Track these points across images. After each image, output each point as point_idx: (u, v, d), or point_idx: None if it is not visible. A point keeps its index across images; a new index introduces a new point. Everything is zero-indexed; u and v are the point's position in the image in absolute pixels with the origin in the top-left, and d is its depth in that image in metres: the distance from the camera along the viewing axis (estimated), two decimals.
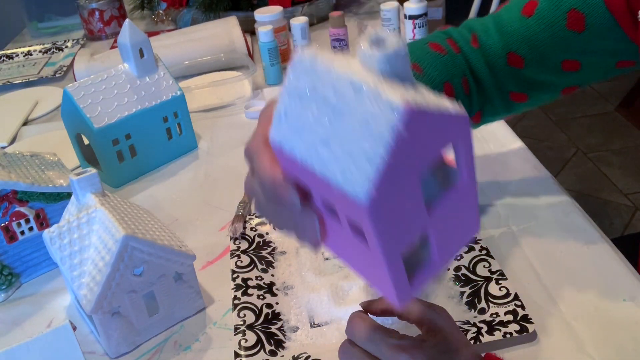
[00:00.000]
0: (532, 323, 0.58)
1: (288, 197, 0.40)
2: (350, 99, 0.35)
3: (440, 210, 0.39)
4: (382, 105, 0.33)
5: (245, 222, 0.78)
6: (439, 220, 0.39)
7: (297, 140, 0.38)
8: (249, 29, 1.37)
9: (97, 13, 1.56)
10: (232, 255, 0.73)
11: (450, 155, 0.39)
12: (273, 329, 0.63)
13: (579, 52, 0.64)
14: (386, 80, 0.35)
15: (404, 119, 0.32)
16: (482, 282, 0.63)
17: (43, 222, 0.76)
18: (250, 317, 0.63)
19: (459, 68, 0.67)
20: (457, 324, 0.51)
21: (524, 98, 0.70)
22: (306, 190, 0.40)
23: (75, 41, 1.57)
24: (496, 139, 0.92)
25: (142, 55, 0.92)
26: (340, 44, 1.20)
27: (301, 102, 0.37)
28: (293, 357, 0.58)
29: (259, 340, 0.61)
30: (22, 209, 0.74)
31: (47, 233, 0.62)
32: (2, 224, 0.73)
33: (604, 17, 0.60)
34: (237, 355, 0.59)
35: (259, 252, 0.73)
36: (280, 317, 0.64)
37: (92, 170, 0.65)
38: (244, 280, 0.68)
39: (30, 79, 1.38)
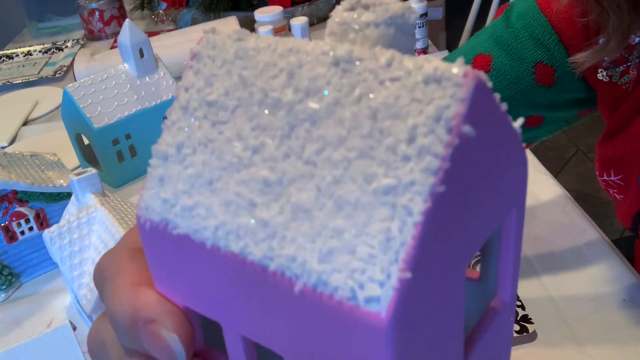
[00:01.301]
0: (532, 323, 0.58)
1: (166, 342, 0.21)
2: (329, 90, 0.18)
3: (478, 351, 0.22)
4: (411, 81, 0.17)
5: None
6: None
7: (204, 201, 0.20)
8: (249, 29, 1.36)
9: (97, 13, 1.55)
10: None
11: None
12: None
13: (545, 107, 0.60)
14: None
15: (470, 100, 0.16)
16: None
17: (43, 222, 0.76)
18: None
19: None
20: None
21: None
22: (212, 328, 0.22)
23: (75, 41, 1.57)
24: None
25: (142, 55, 0.92)
26: None
27: (214, 118, 0.20)
28: None
29: None
30: (22, 209, 0.74)
31: (47, 233, 0.62)
32: (2, 224, 0.73)
33: (572, 68, 0.57)
34: None
35: None
36: None
37: (92, 170, 0.65)
38: None
39: (30, 79, 1.38)
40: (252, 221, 0.18)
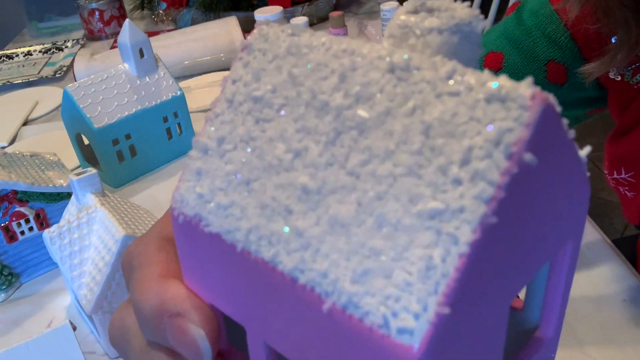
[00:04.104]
0: None
1: (193, 337, 0.20)
2: (380, 98, 0.17)
3: None
4: (472, 98, 0.15)
5: None
6: None
7: (239, 201, 0.18)
8: (249, 29, 1.37)
9: (97, 13, 1.55)
10: None
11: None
12: None
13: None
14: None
15: (535, 125, 0.15)
16: None
17: (43, 222, 0.75)
18: None
19: None
20: None
21: None
22: (235, 328, 0.21)
23: (75, 41, 1.57)
24: None
25: (142, 55, 0.92)
26: None
27: (259, 115, 0.19)
28: None
29: None
30: (22, 209, 0.74)
31: (47, 233, 0.62)
32: (2, 224, 0.73)
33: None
34: None
35: None
36: None
37: (92, 170, 0.65)
38: None
39: (30, 79, 1.38)
40: (287, 229, 0.17)
